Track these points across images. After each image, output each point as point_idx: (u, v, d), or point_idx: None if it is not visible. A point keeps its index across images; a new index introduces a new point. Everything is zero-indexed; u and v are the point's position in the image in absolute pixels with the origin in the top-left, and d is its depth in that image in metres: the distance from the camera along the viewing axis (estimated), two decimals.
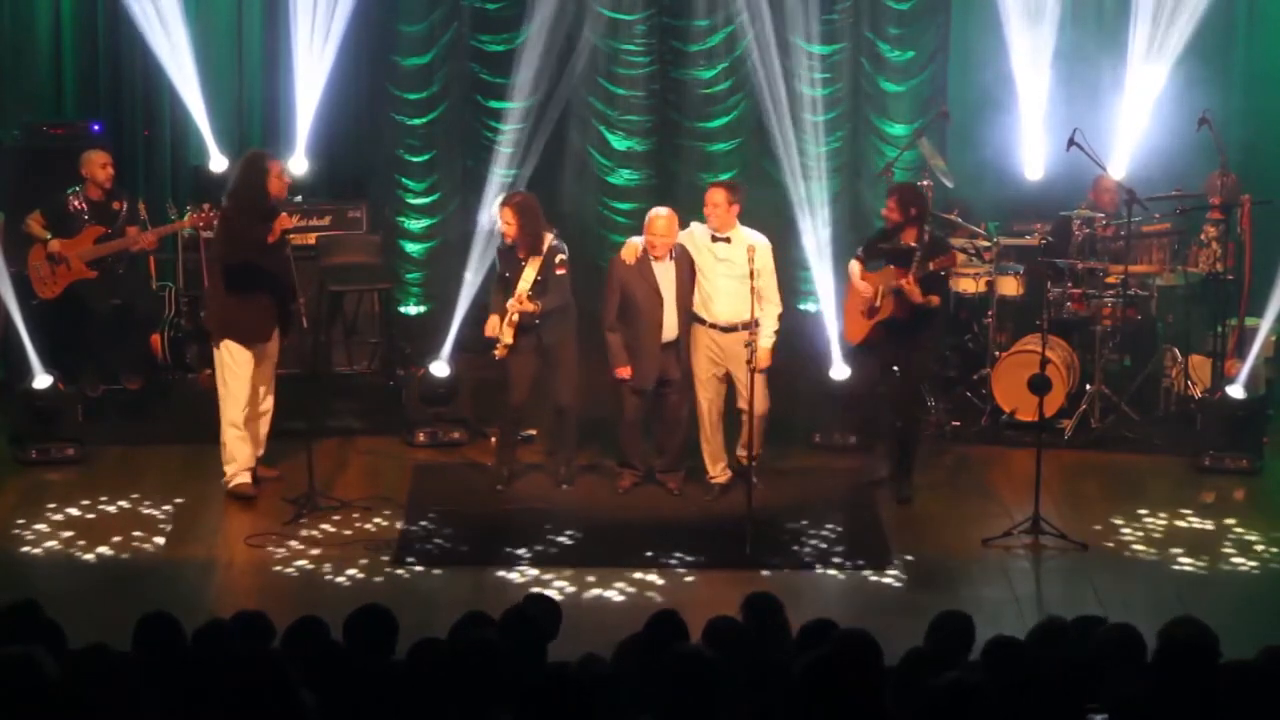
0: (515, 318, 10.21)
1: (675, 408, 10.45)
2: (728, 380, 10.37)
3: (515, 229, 10.24)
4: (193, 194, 12.54)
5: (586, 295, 10.87)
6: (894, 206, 10.34)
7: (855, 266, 10.52)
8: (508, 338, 10.25)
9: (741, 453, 10.31)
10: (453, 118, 13.66)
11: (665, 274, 10.27)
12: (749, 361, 9.85)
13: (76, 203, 11.65)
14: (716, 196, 10.26)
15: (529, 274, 10.23)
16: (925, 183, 12.72)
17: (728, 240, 10.23)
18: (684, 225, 10.41)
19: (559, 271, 10.28)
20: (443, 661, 5.47)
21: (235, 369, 10.16)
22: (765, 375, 10.16)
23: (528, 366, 10.40)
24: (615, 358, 10.33)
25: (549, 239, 10.31)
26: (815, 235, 11.92)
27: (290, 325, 10.22)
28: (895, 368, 10.46)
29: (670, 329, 10.30)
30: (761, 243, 10.19)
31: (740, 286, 10.09)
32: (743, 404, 10.19)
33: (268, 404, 10.38)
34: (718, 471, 10.49)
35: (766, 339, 10.16)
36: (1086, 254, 11.89)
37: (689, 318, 10.30)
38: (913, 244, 10.24)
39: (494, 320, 10.33)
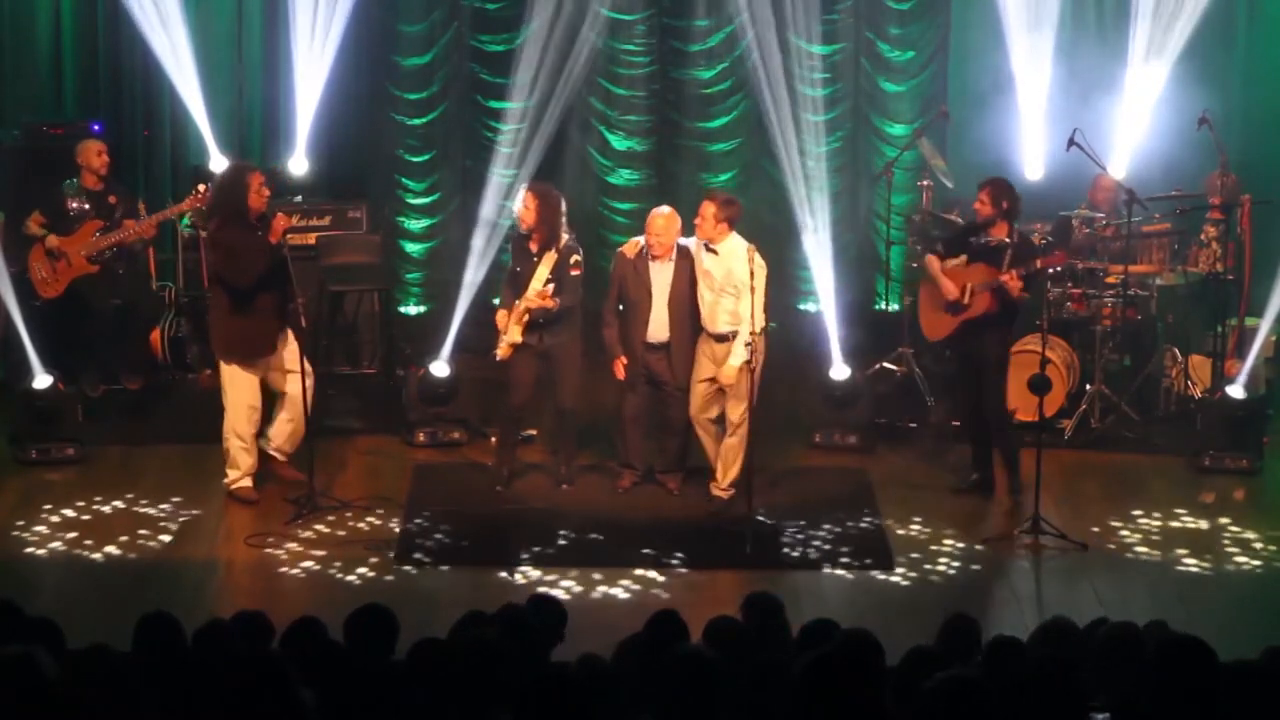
0: (526, 316, 10.18)
1: (674, 409, 10.43)
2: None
3: (534, 215, 10.20)
4: None
5: (586, 296, 10.85)
6: (986, 200, 10.18)
7: (935, 262, 10.40)
8: (516, 335, 10.23)
9: (721, 489, 10.27)
10: (453, 118, 13.66)
11: (660, 275, 10.24)
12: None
13: (74, 201, 11.65)
14: (705, 209, 10.17)
15: (542, 272, 10.19)
16: (925, 183, 12.74)
17: (715, 253, 10.17)
18: (685, 226, 10.37)
19: (574, 272, 10.25)
20: (443, 661, 5.47)
21: (237, 381, 10.14)
22: (749, 387, 9.86)
23: (529, 368, 10.38)
24: (610, 350, 10.33)
25: (565, 239, 10.29)
26: (815, 235, 11.92)
27: (291, 325, 10.18)
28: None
29: (658, 330, 10.26)
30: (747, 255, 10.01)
31: (717, 299, 10.07)
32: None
33: (296, 409, 10.18)
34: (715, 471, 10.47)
35: (736, 356, 9.94)
36: (1086, 254, 11.89)
37: (692, 322, 10.27)
38: (1005, 239, 10.18)
39: (502, 315, 10.30)
